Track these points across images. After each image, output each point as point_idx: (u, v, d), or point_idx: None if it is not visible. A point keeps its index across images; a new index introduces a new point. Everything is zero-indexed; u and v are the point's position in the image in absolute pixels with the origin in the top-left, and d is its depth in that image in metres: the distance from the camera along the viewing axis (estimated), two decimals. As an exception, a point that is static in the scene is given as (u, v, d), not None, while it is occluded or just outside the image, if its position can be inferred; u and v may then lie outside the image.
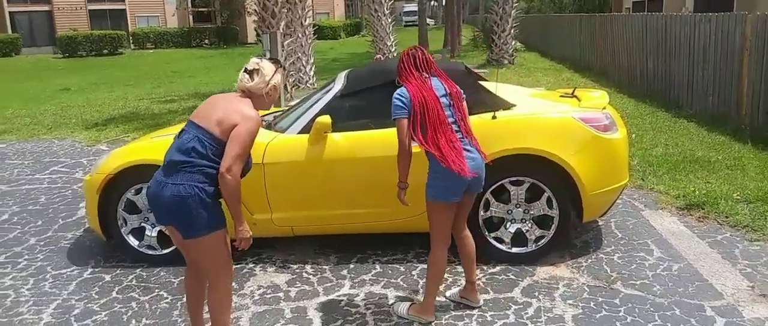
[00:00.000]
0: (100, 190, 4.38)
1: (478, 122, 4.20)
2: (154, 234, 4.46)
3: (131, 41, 38.13)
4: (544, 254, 4.32)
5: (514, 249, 4.32)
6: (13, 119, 11.51)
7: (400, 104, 3.28)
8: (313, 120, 4.32)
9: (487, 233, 4.31)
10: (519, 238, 4.32)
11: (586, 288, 3.91)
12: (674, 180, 6.04)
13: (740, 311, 3.57)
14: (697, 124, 8.69)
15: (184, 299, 3.42)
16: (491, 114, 4.26)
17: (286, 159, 4.31)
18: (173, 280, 4.22)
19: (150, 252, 4.48)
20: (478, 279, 4.05)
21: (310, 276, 4.24)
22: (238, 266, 4.37)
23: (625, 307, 3.66)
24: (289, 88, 11.93)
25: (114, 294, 4.06)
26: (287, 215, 4.38)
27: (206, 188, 2.88)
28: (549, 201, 4.25)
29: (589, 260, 4.34)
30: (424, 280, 3.70)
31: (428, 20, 35.13)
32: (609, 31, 14.55)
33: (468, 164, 3.26)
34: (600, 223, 5.01)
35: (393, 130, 3.35)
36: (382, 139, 4.15)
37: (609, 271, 4.15)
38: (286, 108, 5.71)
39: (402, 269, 4.30)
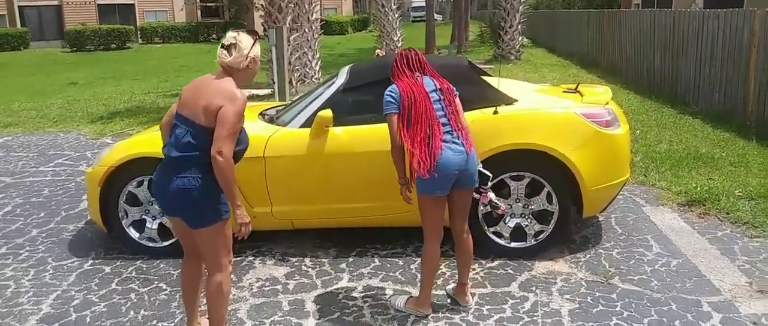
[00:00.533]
0: (101, 183, 4.41)
1: (479, 117, 4.21)
2: (155, 226, 4.49)
3: (139, 36, 38.27)
4: (543, 249, 4.32)
5: (513, 244, 4.32)
6: (20, 112, 11.59)
7: (390, 100, 3.35)
8: (314, 114, 4.33)
9: (486, 228, 4.31)
10: (518, 233, 4.31)
11: (584, 283, 3.91)
12: (676, 177, 6.01)
13: (737, 307, 3.56)
14: (703, 120, 8.64)
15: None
16: (493, 109, 4.26)
17: (288, 153, 4.33)
18: (172, 272, 4.25)
19: (150, 244, 4.51)
20: (476, 273, 4.06)
21: (309, 269, 4.25)
22: (238, 258, 4.39)
23: (621, 302, 3.66)
24: (294, 83, 11.94)
25: (113, 285, 4.09)
26: (287, 208, 4.39)
27: (209, 177, 2.91)
28: (549, 196, 4.24)
29: (588, 255, 4.34)
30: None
31: (436, 16, 35.06)
32: (617, 27, 14.48)
33: (453, 159, 3.26)
34: (600, 219, 5.00)
35: None
36: (383, 134, 4.13)
37: (607, 266, 4.15)
38: (289, 102, 5.72)
39: (400, 263, 4.31)
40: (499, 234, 4.32)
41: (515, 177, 4.23)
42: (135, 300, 3.87)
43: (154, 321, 3.61)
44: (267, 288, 3.99)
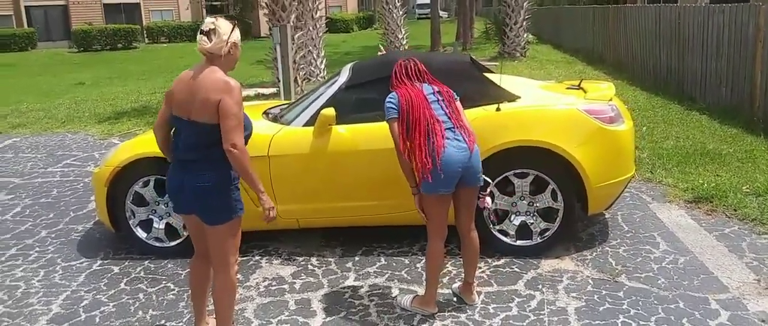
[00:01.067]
0: (108, 183, 4.44)
1: (482, 114, 4.21)
2: (162, 226, 4.51)
3: (145, 35, 38.39)
4: (548, 247, 4.31)
5: (519, 242, 4.32)
6: (28, 113, 11.65)
7: (391, 106, 3.40)
8: (317, 112, 4.34)
9: (491, 226, 4.31)
10: (523, 231, 4.31)
11: (590, 281, 3.91)
12: (683, 173, 5.99)
13: (745, 304, 3.55)
14: (710, 116, 8.60)
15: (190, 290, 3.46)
16: (495, 106, 4.26)
17: (291, 151, 4.34)
18: (180, 272, 4.27)
19: (157, 244, 4.53)
20: (482, 271, 4.06)
21: (315, 269, 4.27)
22: (244, 258, 4.41)
23: (628, 300, 3.65)
24: (299, 81, 11.96)
25: (122, 285, 4.11)
26: (293, 207, 4.40)
27: (227, 172, 2.95)
28: (554, 193, 4.24)
29: (595, 253, 4.33)
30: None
31: (441, 13, 34.96)
32: (622, 23, 14.42)
33: (456, 155, 3.28)
34: (606, 216, 4.99)
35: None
36: (386, 131, 4.15)
37: (614, 264, 4.14)
38: (293, 100, 5.73)
39: (407, 261, 4.32)
40: (504, 232, 4.33)
41: (519, 175, 4.23)
42: (143, 300, 3.89)
43: (163, 321, 3.64)
44: (274, 288, 4.01)
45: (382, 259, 4.37)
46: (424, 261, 4.26)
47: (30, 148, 8.53)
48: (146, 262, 4.46)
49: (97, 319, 3.67)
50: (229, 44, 2.94)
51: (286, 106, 5.26)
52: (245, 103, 3.23)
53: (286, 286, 4.02)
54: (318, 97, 4.61)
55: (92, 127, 9.96)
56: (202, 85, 2.88)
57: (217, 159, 2.92)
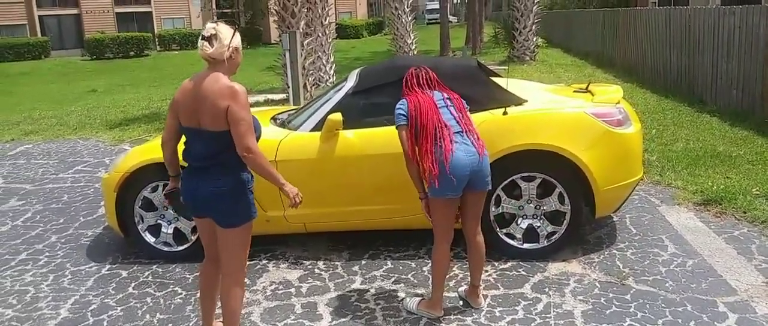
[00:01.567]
0: (117, 188, 4.48)
1: (489, 118, 4.21)
2: (170, 231, 4.55)
3: (157, 43, 38.71)
4: (556, 250, 4.30)
5: (526, 245, 4.30)
6: (40, 120, 11.77)
7: (400, 113, 3.43)
8: (325, 117, 4.36)
9: (498, 229, 4.30)
10: (530, 234, 4.30)
11: (598, 284, 3.89)
12: (693, 176, 5.95)
13: (753, 307, 3.52)
14: (720, 118, 8.54)
15: (198, 294, 3.48)
16: (502, 109, 4.26)
17: (299, 156, 4.36)
18: (188, 276, 4.29)
19: (166, 249, 4.56)
20: (489, 275, 4.06)
21: (322, 272, 4.27)
22: (252, 262, 4.43)
23: (635, 303, 3.63)
24: (309, 87, 12.00)
25: (130, 289, 4.14)
26: (300, 211, 4.38)
27: (241, 175, 3.00)
28: (561, 197, 4.22)
29: (602, 256, 4.31)
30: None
31: (450, 18, 35.00)
32: (632, 26, 14.36)
33: (465, 159, 3.28)
34: (615, 219, 4.97)
35: None
36: (393, 136, 4.15)
37: (621, 267, 4.12)
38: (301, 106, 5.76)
39: (413, 265, 4.32)
40: (511, 236, 4.32)
41: (526, 178, 4.22)
42: (151, 304, 3.92)
43: (170, 325, 3.66)
44: (280, 292, 4.02)
45: (389, 263, 4.37)
46: (430, 264, 4.26)
47: (42, 154, 8.62)
48: (154, 266, 4.49)
49: (105, 323, 3.70)
50: (230, 49, 2.95)
51: (293, 111, 5.29)
52: (254, 109, 3.24)
53: (292, 290, 4.04)
54: (325, 102, 4.63)
55: (103, 133, 10.05)
56: (207, 93, 2.89)
57: (231, 164, 2.96)
